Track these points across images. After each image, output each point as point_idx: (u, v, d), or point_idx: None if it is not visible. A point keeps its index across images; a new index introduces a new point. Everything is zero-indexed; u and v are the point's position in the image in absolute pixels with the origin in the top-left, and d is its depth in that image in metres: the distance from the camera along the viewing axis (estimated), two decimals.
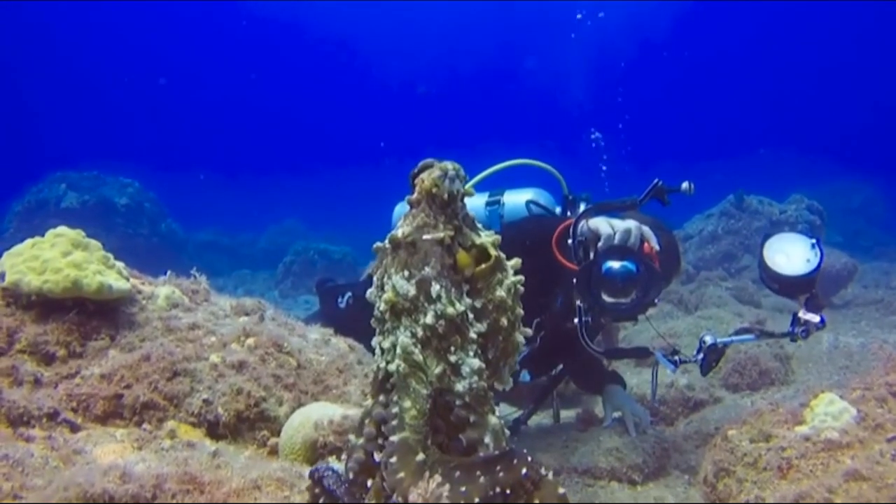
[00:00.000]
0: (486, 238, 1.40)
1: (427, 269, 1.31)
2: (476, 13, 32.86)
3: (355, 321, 2.76)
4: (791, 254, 2.76)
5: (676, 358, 3.27)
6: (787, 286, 2.85)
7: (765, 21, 32.19)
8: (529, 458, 1.20)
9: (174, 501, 1.33)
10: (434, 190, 1.32)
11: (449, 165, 1.34)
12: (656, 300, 3.15)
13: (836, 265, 8.41)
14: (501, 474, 1.14)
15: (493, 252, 1.38)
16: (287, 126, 38.24)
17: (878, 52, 29.91)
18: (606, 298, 3.01)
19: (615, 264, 2.97)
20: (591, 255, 3.06)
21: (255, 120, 37.47)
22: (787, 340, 5.62)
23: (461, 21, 34.07)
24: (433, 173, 1.32)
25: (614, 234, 3.01)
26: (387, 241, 1.35)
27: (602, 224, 3.07)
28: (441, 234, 1.32)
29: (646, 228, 3.10)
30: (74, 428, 1.81)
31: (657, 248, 3.11)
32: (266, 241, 18.85)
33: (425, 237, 1.32)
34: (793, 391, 4.80)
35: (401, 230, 1.35)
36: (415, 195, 1.35)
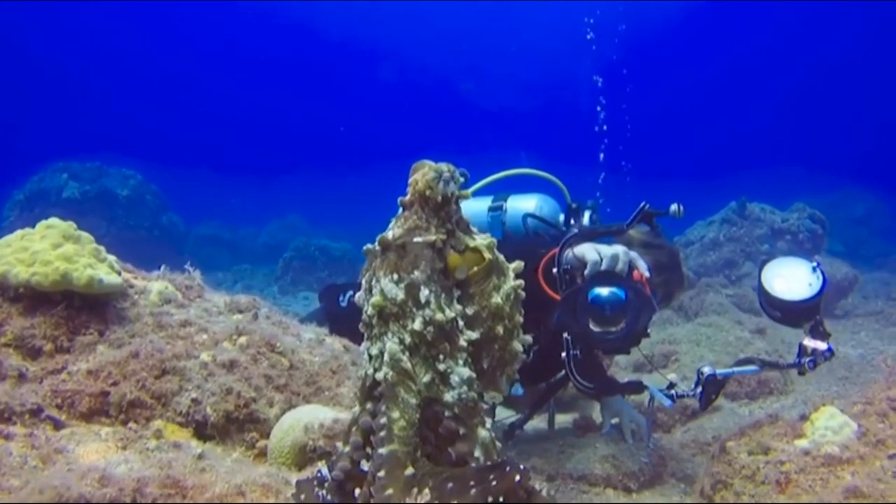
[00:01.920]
0: (481, 241, 1.35)
1: (416, 273, 1.27)
2: (481, 15, 32.86)
3: (356, 320, 2.68)
4: (791, 278, 2.60)
5: (673, 392, 3.11)
6: (790, 313, 2.66)
7: (769, 29, 32.14)
8: (522, 467, 1.17)
9: None
10: (428, 192, 1.28)
11: (444, 167, 1.30)
12: (648, 330, 2.99)
13: (837, 275, 8.37)
14: (494, 483, 1.10)
15: (487, 255, 1.34)
16: (291, 124, 38.24)
17: (884, 62, 29.83)
18: (594, 328, 2.86)
19: (603, 291, 2.81)
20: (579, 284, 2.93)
21: (260, 117, 37.49)
22: (788, 349, 5.60)
23: (469, 22, 34.07)
24: (427, 175, 1.28)
25: (601, 260, 2.88)
26: (376, 243, 1.31)
27: (588, 251, 2.94)
28: (432, 238, 1.28)
29: (634, 254, 2.97)
30: (58, 425, 1.77)
31: (647, 274, 2.96)
32: (267, 236, 18.78)
33: (416, 240, 1.28)
34: (791, 401, 4.77)
35: (391, 232, 1.30)
36: (408, 197, 1.31)
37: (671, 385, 3.15)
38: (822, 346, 2.65)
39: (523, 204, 3.78)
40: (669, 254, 3.40)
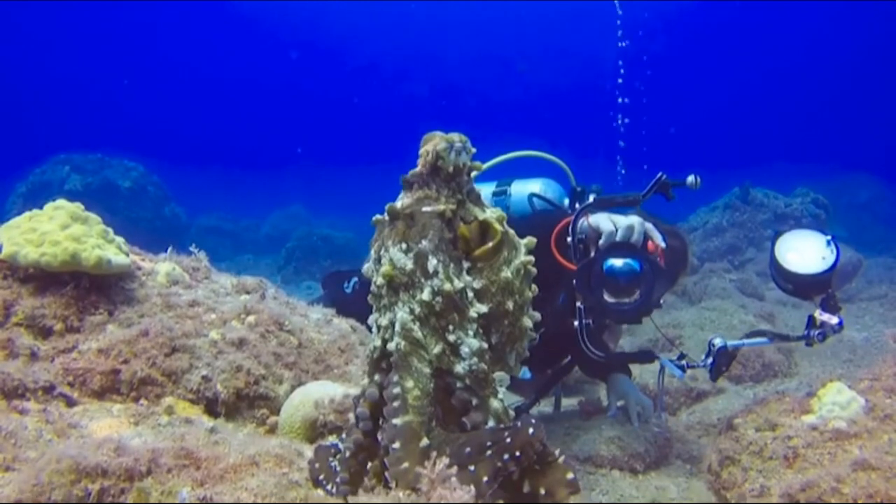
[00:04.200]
0: (492, 214, 1.35)
1: (424, 243, 1.26)
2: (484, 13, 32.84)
3: (361, 306, 2.68)
4: (804, 251, 2.60)
5: (684, 363, 3.09)
6: (802, 286, 2.66)
7: (777, 22, 31.99)
8: (534, 420, 1.17)
9: (169, 476, 1.30)
10: (439, 162, 1.27)
11: (455, 137, 1.29)
12: (661, 301, 2.99)
13: (842, 259, 8.35)
14: (509, 440, 1.11)
15: (498, 228, 1.33)
16: (293, 116, 38.23)
17: (890, 53, 29.70)
18: (608, 299, 2.84)
19: (617, 262, 2.80)
20: (592, 254, 2.90)
21: (261, 111, 37.49)
22: (792, 332, 5.59)
23: (471, 21, 34.00)
24: (439, 145, 1.27)
25: (616, 230, 2.84)
26: (385, 212, 1.30)
27: (603, 220, 2.91)
28: (441, 207, 1.27)
29: (649, 225, 2.93)
30: (70, 402, 1.78)
31: (663, 245, 2.93)
32: (269, 227, 18.75)
33: (425, 209, 1.27)
34: (795, 384, 4.77)
35: (400, 202, 1.30)
36: (418, 168, 1.30)
37: (682, 356, 3.12)
38: (833, 319, 2.63)
39: (527, 188, 3.77)
40: (678, 241, 3.37)
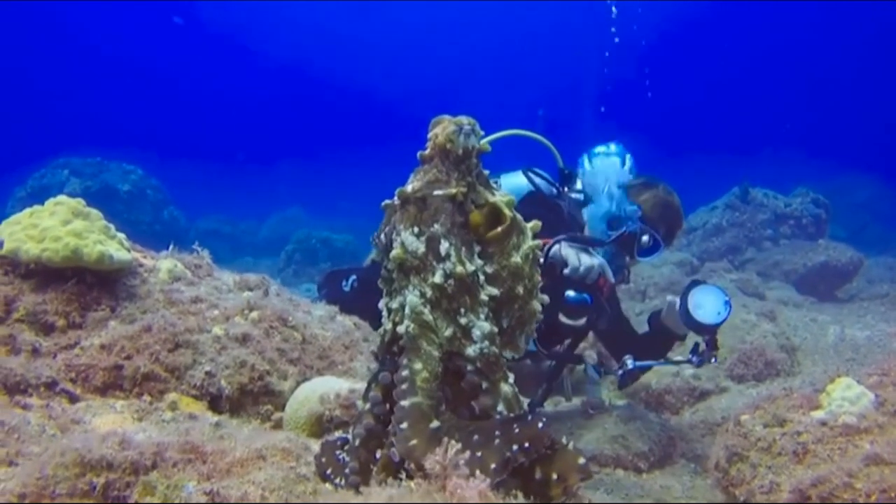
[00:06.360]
0: (501, 198, 1.33)
1: (436, 226, 1.26)
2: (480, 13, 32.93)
3: (360, 305, 2.75)
4: (707, 306, 3.38)
5: (602, 369, 4.00)
6: (698, 328, 3.43)
7: (777, 21, 32.03)
8: (545, 417, 1.17)
9: (175, 470, 1.28)
10: (448, 145, 1.26)
11: (464, 120, 1.28)
12: (601, 326, 3.66)
13: (843, 259, 8.33)
14: (518, 431, 1.09)
15: (507, 213, 1.32)
16: (291, 116, 38.24)
17: (889, 51, 29.73)
18: (563, 320, 3.41)
19: (573, 294, 3.39)
20: (556, 277, 3.40)
21: (260, 111, 37.47)
22: (794, 331, 5.60)
23: (466, 20, 34.06)
24: (448, 128, 1.26)
25: (580, 266, 3.38)
26: (395, 196, 1.29)
27: (572, 255, 3.42)
28: (453, 191, 1.26)
29: (606, 267, 3.49)
30: (73, 398, 1.76)
31: (612, 281, 3.56)
32: (268, 230, 18.67)
33: (436, 193, 1.26)
34: (798, 382, 4.75)
35: (411, 185, 1.29)
36: (427, 150, 1.29)
37: (601, 363, 4.05)
38: (710, 354, 3.47)
39: (515, 180, 3.86)
40: (672, 197, 3.91)
